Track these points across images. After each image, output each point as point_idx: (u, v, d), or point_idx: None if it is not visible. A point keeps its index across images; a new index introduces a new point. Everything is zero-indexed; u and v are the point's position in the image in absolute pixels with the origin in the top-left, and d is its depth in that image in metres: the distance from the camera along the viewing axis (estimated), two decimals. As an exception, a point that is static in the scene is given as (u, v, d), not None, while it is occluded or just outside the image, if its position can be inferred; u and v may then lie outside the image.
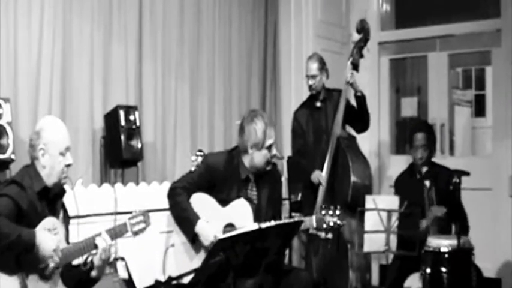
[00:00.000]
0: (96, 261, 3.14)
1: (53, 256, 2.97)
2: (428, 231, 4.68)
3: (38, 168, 3.16)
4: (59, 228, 3.10)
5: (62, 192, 3.31)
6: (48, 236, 2.98)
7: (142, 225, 3.28)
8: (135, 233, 3.27)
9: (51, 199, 3.21)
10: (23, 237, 2.88)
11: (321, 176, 4.94)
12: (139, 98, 5.25)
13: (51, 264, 2.97)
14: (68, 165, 3.20)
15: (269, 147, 3.87)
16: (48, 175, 3.16)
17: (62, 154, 3.18)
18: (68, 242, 3.19)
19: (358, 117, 5.11)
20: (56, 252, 2.97)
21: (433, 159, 5.09)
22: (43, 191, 3.14)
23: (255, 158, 3.89)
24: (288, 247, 3.77)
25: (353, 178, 4.91)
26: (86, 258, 3.16)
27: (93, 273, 3.16)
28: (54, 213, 3.18)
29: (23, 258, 2.94)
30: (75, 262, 3.16)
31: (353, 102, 5.13)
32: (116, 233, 3.21)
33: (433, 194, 4.81)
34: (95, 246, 3.12)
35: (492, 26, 6.34)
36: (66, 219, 3.32)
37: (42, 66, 4.57)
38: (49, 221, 3.08)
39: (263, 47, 6.49)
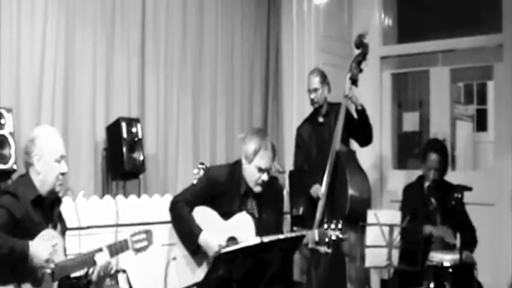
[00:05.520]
0: (94, 277, 3.15)
1: (46, 266, 2.96)
2: (431, 238, 4.68)
3: (32, 175, 3.16)
4: (57, 240, 3.08)
5: (58, 201, 3.29)
6: (41, 246, 2.96)
7: (144, 243, 3.28)
8: (137, 251, 3.26)
9: (46, 208, 3.20)
10: (15, 249, 2.87)
11: (319, 190, 4.91)
12: (141, 110, 5.25)
13: (47, 271, 2.97)
14: (62, 174, 3.19)
15: (260, 169, 3.84)
16: (42, 182, 3.15)
17: (57, 161, 3.18)
18: (65, 255, 3.18)
19: (360, 130, 5.10)
20: (49, 262, 2.96)
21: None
22: (37, 200, 3.13)
23: (246, 171, 3.89)
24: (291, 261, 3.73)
25: (350, 191, 4.87)
26: (87, 271, 3.15)
27: None
28: (51, 222, 3.18)
29: (17, 268, 2.93)
30: (74, 275, 3.15)
31: (355, 115, 5.11)
32: (116, 249, 3.21)
33: (438, 212, 4.82)
34: (94, 263, 3.11)
35: (494, 40, 6.34)
36: (64, 230, 3.31)
37: (44, 76, 4.57)
38: (47, 234, 3.07)
39: (265, 60, 6.50)
